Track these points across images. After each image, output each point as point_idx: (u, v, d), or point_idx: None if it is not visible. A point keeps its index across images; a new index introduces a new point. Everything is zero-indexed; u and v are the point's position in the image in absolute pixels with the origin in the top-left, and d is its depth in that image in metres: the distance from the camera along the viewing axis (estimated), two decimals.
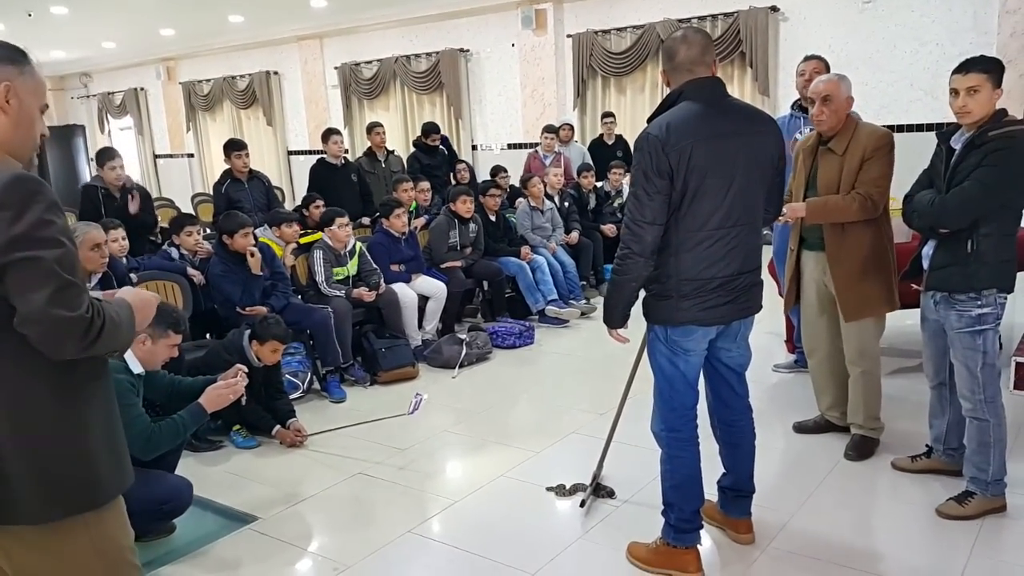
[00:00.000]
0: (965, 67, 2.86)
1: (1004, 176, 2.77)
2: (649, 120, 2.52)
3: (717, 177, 2.43)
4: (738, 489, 2.89)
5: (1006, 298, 2.93)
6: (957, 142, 2.93)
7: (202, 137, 14.81)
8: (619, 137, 9.04)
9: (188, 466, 3.75)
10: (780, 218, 3.44)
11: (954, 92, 2.88)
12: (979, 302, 2.88)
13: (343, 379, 5.00)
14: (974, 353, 2.92)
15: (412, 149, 8.34)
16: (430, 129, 8.12)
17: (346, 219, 5.35)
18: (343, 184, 6.85)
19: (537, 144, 8.61)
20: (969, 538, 2.89)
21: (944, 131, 3.03)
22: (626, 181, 6.99)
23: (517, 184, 8.25)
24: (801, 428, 3.89)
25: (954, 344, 2.99)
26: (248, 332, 4.22)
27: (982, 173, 2.78)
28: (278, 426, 4.15)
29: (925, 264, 3.06)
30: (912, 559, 2.82)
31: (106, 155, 5.90)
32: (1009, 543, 2.89)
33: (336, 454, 3.99)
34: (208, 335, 5.12)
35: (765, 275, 2.77)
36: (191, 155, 15.05)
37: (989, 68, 2.82)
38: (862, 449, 3.57)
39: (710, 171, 2.42)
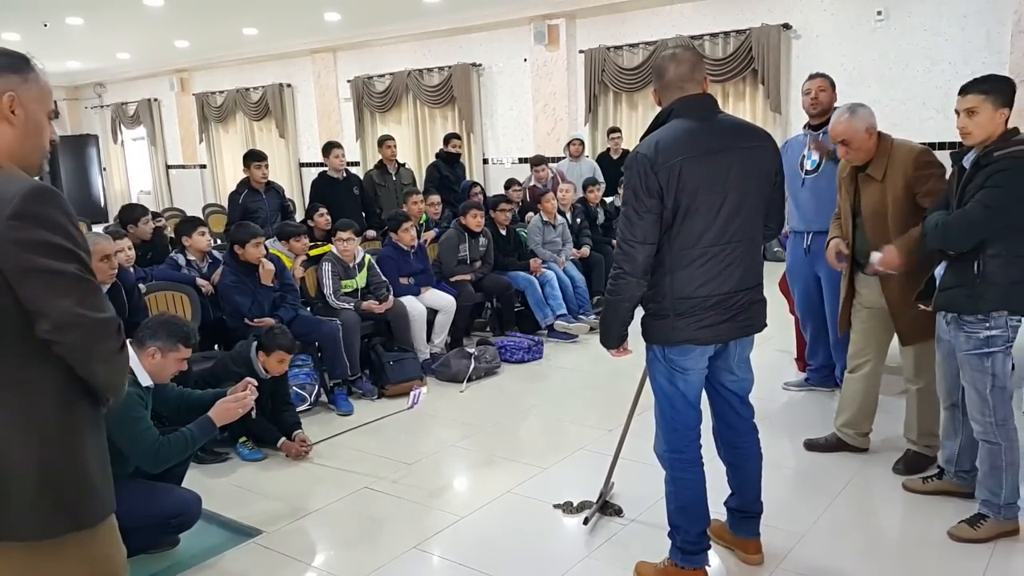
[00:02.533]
0: (964, 89, 2.85)
1: (1007, 196, 2.72)
2: (641, 139, 2.51)
3: (709, 194, 2.41)
4: (745, 510, 2.86)
5: (1019, 320, 2.87)
6: (968, 162, 2.90)
7: (215, 148, 14.91)
8: (626, 152, 9.06)
9: (193, 478, 3.74)
10: (876, 267, 3.31)
11: (957, 113, 2.87)
12: (987, 324, 2.84)
13: (351, 392, 4.99)
14: (983, 375, 2.88)
15: (432, 159, 8.39)
16: (451, 136, 8.21)
17: (347, 233, 5.33)
18: (345, 197, 6.87)
19: (543, 164, 8.51)
20: (981, 562, 2.84)
21: (958, 151, 3.00)
22: None
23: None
24: (812, 446, 3.86)
25: (963, 366, 2.95)
26: (255, 343, 4.22)
27: (984, 195, 2.75)
28: (283, 438, 4.14)
29: (937, 284, 3.04)
30: None
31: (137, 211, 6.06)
32: (1022, 567, 2.84)
33: (342, 468, 3.98)
34: (216, 346, 5.12)
35: (774, 292, 2.74)
36: (203, 166, 15.15)
37: (987, 89, 2.79)
38: (912, 465, 3.52)
39: (701, 188, 2.40)
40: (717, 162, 2.42)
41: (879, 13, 8.27)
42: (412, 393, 4.34)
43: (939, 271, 3.03)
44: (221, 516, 3.49)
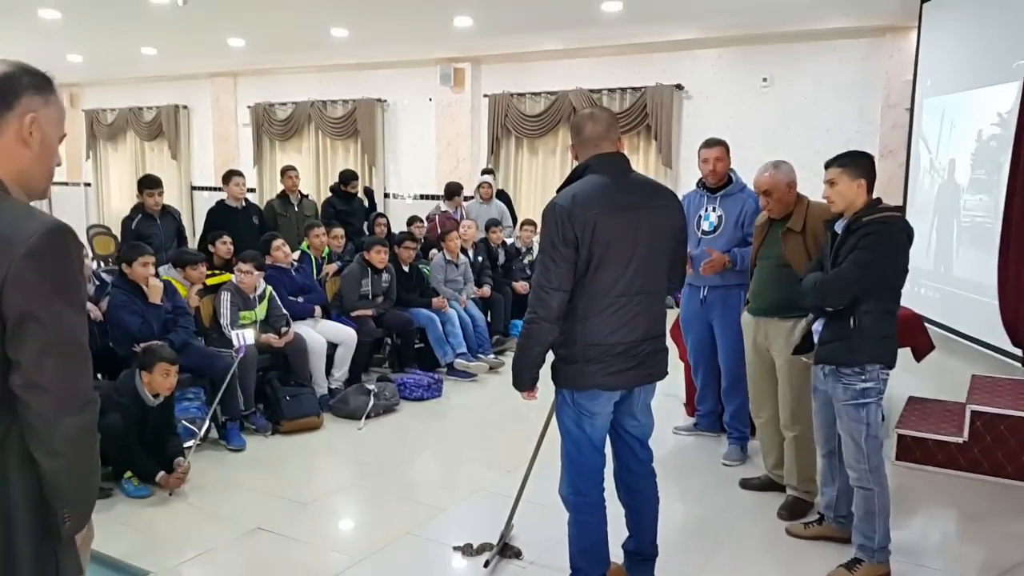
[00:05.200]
0: (826, 164, 3.18)
1: (876, 256, 2.99)
2: (558, 191, 2.64)
3: (620, 247, 2.55)
4: (641, 553, 2.95)
5: (888, 373, 3.13)
6: (840, 227, 3.18)
7: (102, 167, 14.30)
8: (502, 192, 9.36)
9: None
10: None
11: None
12: (863, 376, 3.07)
13: (243, 427, 4.85)
14: (858, 425, 3.11)
15: (328, 194, 8.30)
16: (349, 177, 8.07)
17: (248, 266, 5.23)
18: (243, 227, 6.65)
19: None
20: None
21: (829, 218, 3.28)
22: (536, 240, 7.15)
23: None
24: (747, 485, 4.06)
25: (840, 416, 3.18)
26: (138, 370, 4.08)
27: (856, 255, 3.01)
28: (162, 472, 3.98)
29: (816, 339, 3.27)
30: None
31: None
32: None
33: (234, 507, 3.87)
34: (100, 376, 4.86)
35: (668, 340, 2.89)
36: (88, 184, 14.48)
37: (844, 163, 3.12)
38: (794, 510, 3.71)
39: (614, 241, 2.53)
40: (629, 218, 2.57)
41: (764, 80, 8.85)
42: (235, 335, 4.51)
43: (817, 327, 3.27)
44: (105, 555, 3.29)
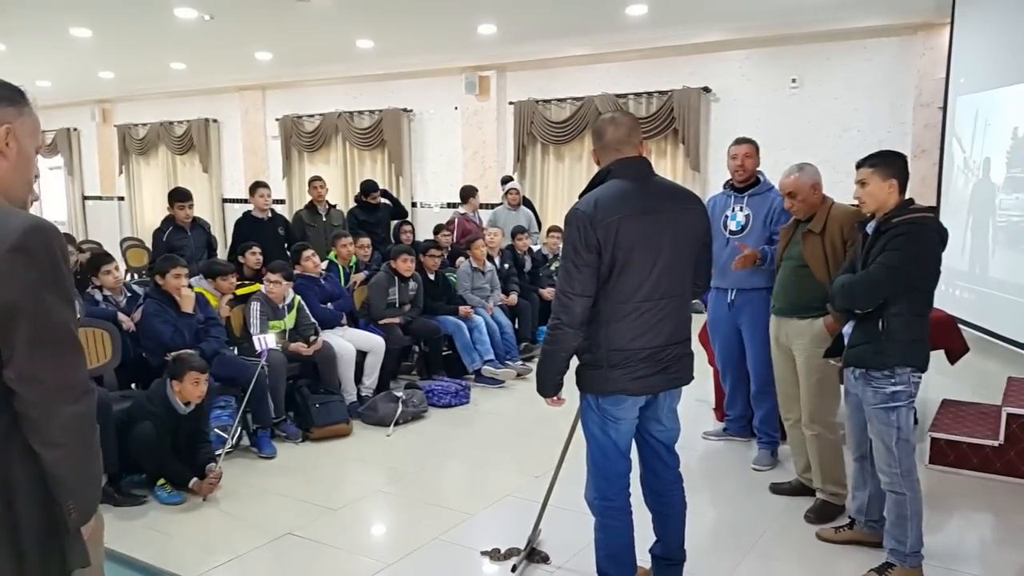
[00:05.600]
0: (857, 164, 3.14)
1: (905, 258, 2.95)
2: (580, 196, 2.63)
3: (644, 251, 2.53)
4: (669, 558, 2.93)
5: (920, 377, 3.07)
6: (870, 229, 3.13)
7: (134, 180, 14.56)
8: (527, 200, 9.33)
9: (108, 521, 3.61)
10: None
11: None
12: (893, 380, 3.02)
13: (274, 435, 4.91)
14: (888, 428, 3.06)
15: (353, 204, 8.35)
16: (369, 188, 8.04)
17: (277, 276, 5.30)
18: (269, 238, 6.77)
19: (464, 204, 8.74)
20: None
21: (862, 220, 3.24)
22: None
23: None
24: (777, 490, 4.02)
25: (871, 420, 3.13)
26: (168, 379, 4.14)
27: (885, 256, 2.97)
28: (195, 479, 4.04)
29: (846, 341, 3.23)
30: None
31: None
32: None
33: (265, 513, 3.91)
34: (134, 385, 4.96)
35: (696, 345, 2.87)
36: (121, 198, 14.75)
37: (875, 163, 3.08)
38: (822, 514, 3.67)
39: (637, 246, 2.52)
40: (652, 222, 2.55)
41: (793, 81, 8.77)
42: (257, 339, 4.58)
43: (847, 329, 3.23)
44: (139, 561, 3.37)
